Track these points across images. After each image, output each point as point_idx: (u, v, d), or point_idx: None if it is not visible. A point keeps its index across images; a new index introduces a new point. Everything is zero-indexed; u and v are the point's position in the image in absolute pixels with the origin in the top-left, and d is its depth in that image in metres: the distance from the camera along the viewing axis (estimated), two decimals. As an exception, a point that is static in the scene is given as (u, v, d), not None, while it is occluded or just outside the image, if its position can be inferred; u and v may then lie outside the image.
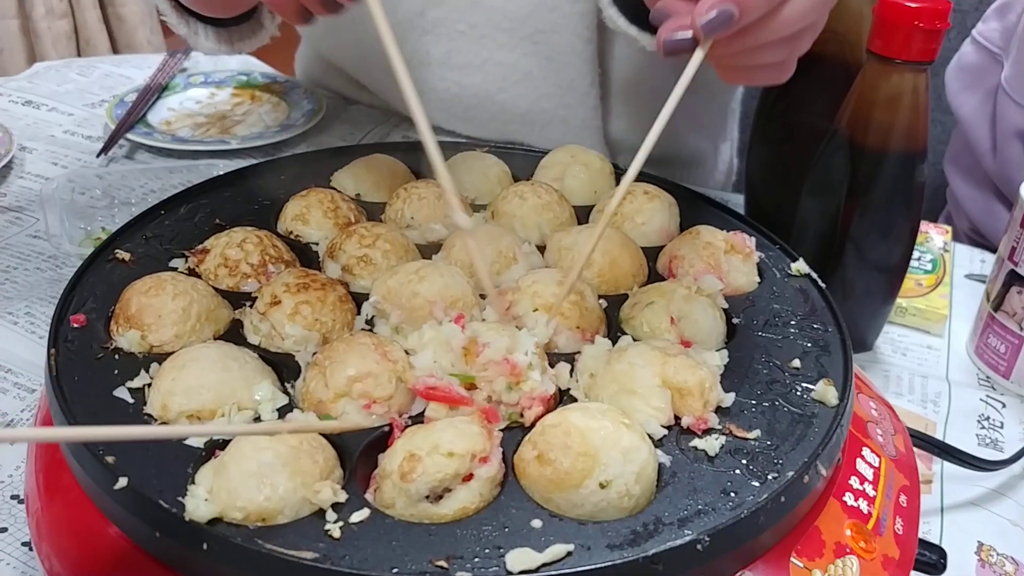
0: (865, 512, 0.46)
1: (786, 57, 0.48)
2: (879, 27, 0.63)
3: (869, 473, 0.48)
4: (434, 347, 0.44)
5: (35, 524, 0.44)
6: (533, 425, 0.43)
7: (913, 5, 0.61)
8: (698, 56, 0.46)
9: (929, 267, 0.82)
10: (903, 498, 0.48)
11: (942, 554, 0.48)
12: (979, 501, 0.61)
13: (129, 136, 0.92)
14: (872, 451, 0.49)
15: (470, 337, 0.44)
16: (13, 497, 0.54)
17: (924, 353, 0.76)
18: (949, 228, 0.88)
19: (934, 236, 0.86)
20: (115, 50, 2.25)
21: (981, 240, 1.13)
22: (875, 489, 0.47)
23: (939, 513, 0.60)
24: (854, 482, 0.47)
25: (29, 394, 0.62)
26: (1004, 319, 0.71)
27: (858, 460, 0.48)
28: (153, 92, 1.01)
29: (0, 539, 0.51)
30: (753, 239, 0.57)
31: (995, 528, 0.59)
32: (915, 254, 0.82)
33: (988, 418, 0.69)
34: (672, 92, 0.47)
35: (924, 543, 0.48)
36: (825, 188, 0.69)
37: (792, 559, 0.42)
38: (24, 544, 0.51)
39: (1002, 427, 0.68)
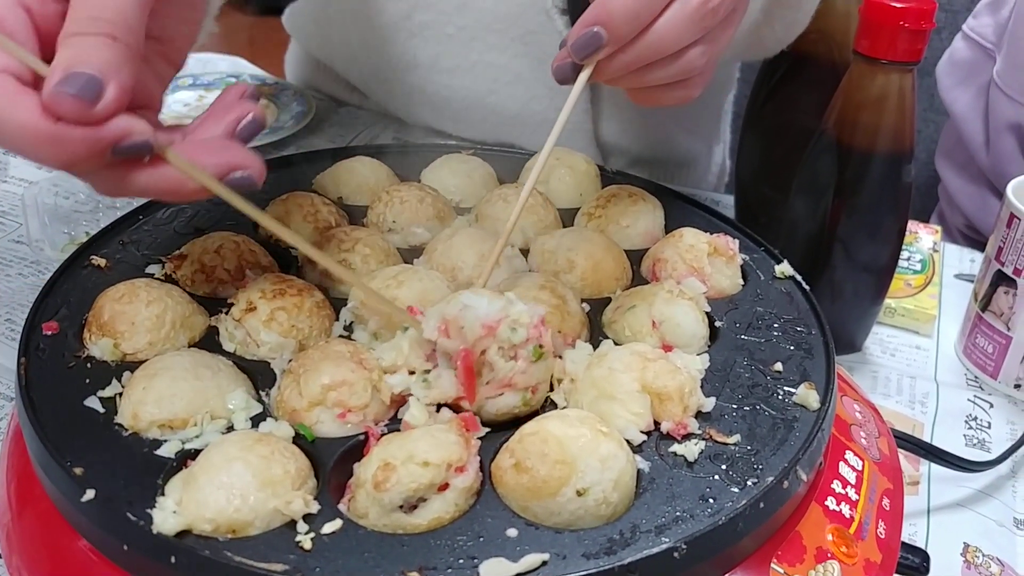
0: (847, 516, 0.45)
1: (679, 76, 0.48)
2: (864, 27, 0.63)
3: (852, 477, 0.47)
4: (409, 354, 0.44)
5: (5, 537, 0.43)
6: (513, 431, 0.42)
7: (898, 5, 0.60)
8: (582, 79, 0.47)
9: (918, 267, 0.81)
10: (886, 501, 0.48)
11: (925, 557, 0.47)
12: (965, 502, 0.61)
13: (114, 139, 0.91)
14: (855, 454, 0.49)
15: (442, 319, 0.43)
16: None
17: (913, 354, 0.75)
18: (938, 228, 0.88)
19: (923, 236, 0.86)
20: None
21: (976, 236, 1.13)
22: (858, 493, 0.47)
23: (925, 514, 0.60)
24: (836, 486, 0.46)
25: (8, 402, 0.61)
26: (991, 319, 0.71)
27: (841, 464, 0.48)
28: (140, 95, 1.00)
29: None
30: (737, 241, 0.56)
31: (981, 529, 0.59)
32: (904, 254, 0.82)
33: (976, 418, 0.69)
34: (563, 108, 0.48)
35: (907, 546, 0.47)
36: (813, 189, 0.69)
37: (772, 565, 0.41)
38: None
39: (989, 427, 0.68)
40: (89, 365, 0.46)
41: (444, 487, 0.39)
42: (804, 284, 0.56)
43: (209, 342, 0.48)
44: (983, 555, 0.57)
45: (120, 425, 0.42)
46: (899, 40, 0.61)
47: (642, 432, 0.43)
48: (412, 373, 0.44)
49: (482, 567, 0.36)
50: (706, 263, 0.54)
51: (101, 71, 0.36)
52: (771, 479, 0.41)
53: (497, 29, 0.85)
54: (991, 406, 0.70)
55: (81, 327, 0.48)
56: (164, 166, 0.39)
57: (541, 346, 0.43)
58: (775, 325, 0.52)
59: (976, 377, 0.73)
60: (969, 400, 0.70)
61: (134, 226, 0.57)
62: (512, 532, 0.38)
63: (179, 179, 0.39)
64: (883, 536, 0.46)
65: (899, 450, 0.56)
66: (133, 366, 0.45)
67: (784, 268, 0.57)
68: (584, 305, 0.53)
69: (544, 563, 0.36)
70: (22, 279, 0.73)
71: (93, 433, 0.42)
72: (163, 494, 0.38)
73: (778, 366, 0.49)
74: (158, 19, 0.42)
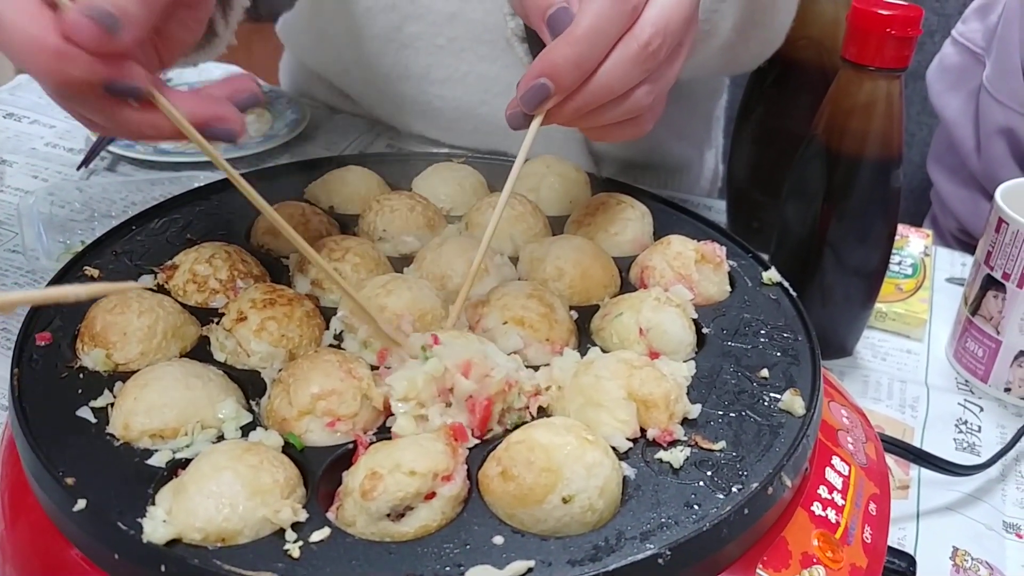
0: (833, 521, 0.46)
1: (627, 115, 0.50)
2: (852, 34, 0.63)
3: (838, 482, 0.48)
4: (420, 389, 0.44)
5: None
6: (499, 441, 0.43)
7: (885, 12, 0.61)
8: (534, 126, 0.50)
9: (909, 271, 0.82)
10: (873, 507, 0.48)
11: (911, 562, 0.48)
12: (954, 506, 0.61)
13: (111, 148, 0.92)
14: (842, 459, 0.49)
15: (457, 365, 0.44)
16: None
17: (904, 358, 0.76)
18: (929, 232, 0.88)
19: (914, 240, 0.86)
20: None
21: (969, 240, 1.13)
22: (844, 498, 0.47)
23: (915, 518, 0.60)
24: (822, 491, 0.47)
25: (3, 412, 0.62)
26: (981, 323, 0.71)
27: (827, 469, 0.48)
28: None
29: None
30: (724, 248, 0.57)
31: (970, 533, 0.59)
32: (895, 258, 0.82)
33: (966, 422, 0.69)
34: (519, 154, 0.51)
35: (893, 551, 0.48)
36: (803, 194, 0.69)
37: (758, 570, 0.42)
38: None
39: (979, 431, 0.68)
40: (81, 375, 0.46)
41: (431, 496, 0.39)
42: (791, 290, 0.56)
43: (200, 352, 0.49)
44: (972, 559, 0.58)
45: (112, 435, 0.43)
46: (886, 47, 0.62)
47: (628, 439, 0.44)
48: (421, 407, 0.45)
49: (468, 574, 0.36)
50: (694, 270, 0.55)
51: (122, 14, 0.39)
52: (756, 485, 0.42)
53: (487, 40, 0.85)
54: (981, 410, 0.70)
55: (74, 337, 0.48)
56: (152, 111, 0.42)
57: (527, 419, 0.45)
58: (762, 332, 0.53)
59: (966, 381, 0.73)
60: (959, 404, 0.71)
61: (127, 236, 0.58)
62: (498, 539, 0.38)
63: (159, 123, 0.42)
64: (869, 541, 0.46)
65: (889, 455, 0.57)
66: (125, 376, 0.45)
67: (771, 275, 0.57)
68: (572, 313, 0.53)
69: (530, 570, 0.37)
70: (18, 288, 0.73)
71: (85, 443, 0.42)
72: (153, 503, 0.39)
73: (764, 372, 0.49)
74: (165, 14, 0.44)
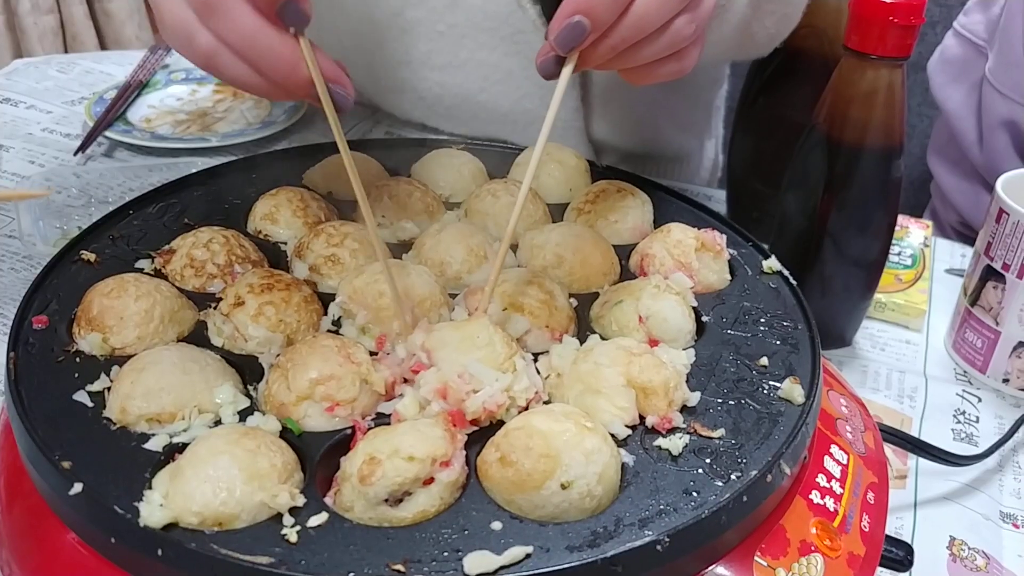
0: (831, 510, 0.46)
1: (669, 49, 0.48)
2: (854, 23, 0.63)
3: (837, 471, 0.48)
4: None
5: (-5, 528, 0.43)
6: (498, 427, 0.43)
7: (888, 1, 0.60)
8: (567, 71, 0.47)
9: (909, 262, 0.82)
10: (871, 495, 0.48)
11: (909, 550, 0.48)
12: (952, 496, 0.61)
13: (108, 134, 0.91)
14: (841, 448, 0.49)
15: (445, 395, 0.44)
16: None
17: (902, 348, 0.75)
18: (929, 223, 0.88)
19: (914, 231, 0.86)
20: (103, 46, 2.23)
21: (969, 232, 1.13)
22: (842, 487, 0.47)
23: (912, 508, 0.60)
24: (821, 480, 0.47)
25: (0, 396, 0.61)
26: (980, 314, 0.71)
27: (826, 458, 0.48)
28: (133, 89, 1.00)
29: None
30: (724, 237, 0.57)
31: (967, 522, 0.59)
32: (895, 249, 0.82)
33: (964, 412, 0.69)
34: (551, 104, 0.47)
35: (891, 539, 0.48)
36: (803, 184, 0.69)
37: (756, 558, 0.42)
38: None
39: (977, 421, 0.68)
40: (78, 359, 0.46)
41: (429, 481, 0.39)
42: (791, 279, 0.56)
43: (198, 337, 0.48)
44: (969, 548, 0.58)
45: (108, 419, 0.42)
46: (888, 35, 0.61)
47: (627, 426, 0.44)
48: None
49: (466, 560, 0.36)
50: (694, 258, 0.55)
51: None
52: (755, 473, 0.42)
53: (488, 27, 0.85)
54: (979, 400, 0.70)
55: (70, 322, 0.48)
56: (295, 44, 0.44)
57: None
58: (762, 320, 0.53)
59: (965, 372, 0.73)
60: (958, 394, 0.71)
61: (124, 221, 0.58)
62: (497, 525, 0.38)
63: (295, 64, 0.44)
64: (867, 529, 0.46)
65: (887, 444, 0.57)
66: (122, 360, 0.45)
67: (771, 263, 0.57)
68: (572, 300, 0.53)
69: (528, 556, 0.37)
70: (14, 274, 0.73)
71: (81, 427, 0.42)
72: (150, 487, 0.39)
73: (764, 360, 0.49)
74: None
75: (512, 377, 0.44)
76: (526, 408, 0.44)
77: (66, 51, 2.12)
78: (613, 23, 0.45)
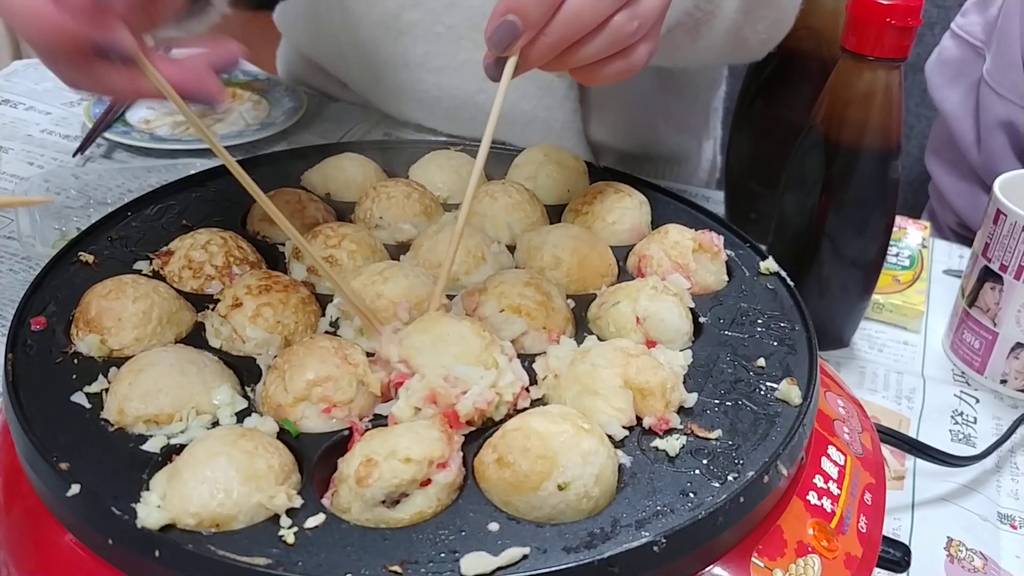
0: (828, 511, 0.46)
1: (612, 47, 0.47)
2: (852, 24, 0.63)
3: (834, 472, 0.48)
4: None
5: (-6, 531, 0.44)
6: (496, 428, 0.43)
7: (885, 2, 0.60)
8: (507, 71, 0.47)
9: (907, 263, 0.82)
10: (868, 496, 0.48)
11: (906, 551, 0.48)
12: (950, 497, 0.62)
13: (107, 135, 0.91)
14: (838, 449, 0.49)
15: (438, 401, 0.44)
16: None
17: (900, 349, 0.76)
18: (927, 224, 0.88)
19: (912, 232, 0.86)
20: (102, 47, 2.23)
21: (967, 233, 1.13)
22: (840, 488, 0.47)
23: (910, 509, 0.61)
24: (818, 481, 0.47)
25: (-1, 397, 0.61)
26: (978, 315, 0.71)
27: (823, 459, 0.48)
28: (132, 91, 1.00)
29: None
30: (722, 238, 0.57)
31: (965, 523, 0.59)
32: (893, 250, 0.82)
33: (962, 413, 0.69)
34: (494, 103, 0.48)
35: (888, 540, 0.48)
36: (801, 185, 0.69)
37: (753, 559, 0.42)
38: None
39: (975, 422, 0.68)
40: (76, 361, 0.46)
41: (426, 483, 0.39)
42: (789, 280, 0.56)
43: (196, 338, 0.48)
44: (966, 549, 0.58)
45: (106, 420, 0.42)
46: (886, 37, 0.62)
47: (624, 427, 0.44)
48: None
49: (463, 561, 0.36)
50: (691, 259, 0.55)
51: None
52: (751, 474, 0.42)
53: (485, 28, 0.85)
54: (977, 401, 0.70)
55: (68, 323, 0.48)
56: (136, 74, 0.44)
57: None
58: (759, 321, 0.53)
59: (963, 372, 0.73)
60: (955, 395, 0.71)
61: (122, 222, 0.58)
62: (494, 526, 0.38)
63: (142, 85, 0.44)
64: (864, 530, 0.46)
65: (884, 445, 0.57)
66: (120, 362, 0.45)
67: (769, 264, 0.57)
68: (569, 301, 0.53)
69: (525, 557, 0.37)
70: (12, 275, 0.73)
71: (79, 428, 0.42)
72: (148, 489, 0.39)
73: (761, 362, 0.49)
74: None
75: (496, 373, 0.44)
76: (515, 403, 0.44)
77: (65, 52, 2.12)
78: (547, 22, 0.45)
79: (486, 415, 0.43)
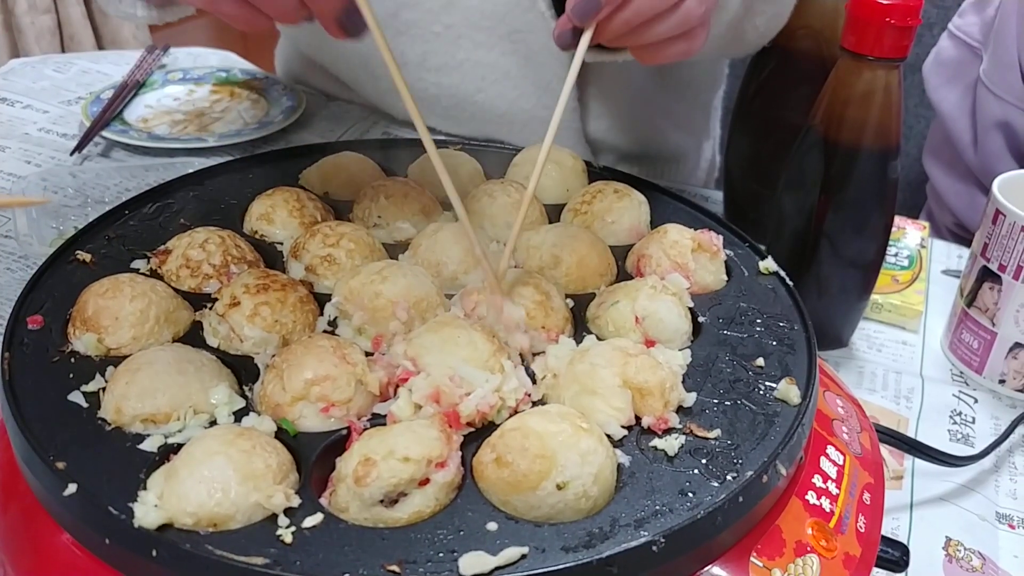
0: (827, 511, 0.46)
1: (679, 28, 0.51)
2: (851, 24, 0.63)
3: (833, 471, 0.48)
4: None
5: (-9, 531, 0.43)
6: (494, 429, 0.43)
7: (885, 2, 0.60)
8: (583, 44, 0.50)
9: (906, 263, 0.82)
10: (867, 496, 0.48)
11: (904, 551, 0.48)
12: (948, 496, 0.62)
13: (105, 134, 0.91)
14: (837, 449, 0.49)
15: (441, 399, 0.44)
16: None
17: (899, 349, 0.76)
18: (926, 224, 0.88)
19: (911, 232, 0.86)
20: (100, 46, 2.23)
21: (965, 234, 1.13)
22: (838, 487, 0.47)
23: (908, 509, 0.61)
24: (817, 480, 0.47)
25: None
26: (977, 315, 0.71)
27: (822, 458, 0.48)
28: (130, 89, 1.00)
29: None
30: (721, 237, 0.57)
31: (963, 523, 0.59)
32: (892, 250, 0.82)
33: (960, 413, 0.69)
34: (570, 71, 0.50)
35: (887, 540, 0.48)
36: (800, 184, 0.69)
37: (752, 558, 0.42)
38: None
39: (973, 422, 0.68)
40: (73, 360, 0.46)
41: (425, 482, 0.39)
42: (788, 280, 0.56)
43: (193, 337, 0.48)
44: (965, 549, 0.58)
45: (103, 419, 0.42)
46: (885, 36, 0.62)
47: (623, 427, 0.44)
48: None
49: (462, 560, 0.36)
50: (690, 259, 0.55)
51: None
52: (751, 473, 0.42)
53: (484, 27, 0.85)
54: (976, 401, 0.70)
55: (65, 322, 0.48)
56: None
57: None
58: (758, 321, 0.53)
59: (961, 372, 0.73)
60: (954, 395, 0.71)
61: (120, 221, 0.57)
62: (492, 526, 0.38)
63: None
64: (863, 530, 0.46)
65: (883, 445, 0.57)
66: (117, 361, 0.45)
67: (768, 264, 0.57)
68: (568, 301, 0.53)
69: (523, 556, 0.37)
70: (10, 274, 0.73)
71: (76, 427, 0.42)
72: (145, 488, 0.38)
73: (760, 361, 0.49)
74: None
75: (501, 378, 0.44)
76: (516, 408, 0.44)
77: (63, 51, 2.12)
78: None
79: (487, 418, 0.43)
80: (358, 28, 0.46)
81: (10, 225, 0.79)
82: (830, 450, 0.49)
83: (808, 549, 0.43)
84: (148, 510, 0.37)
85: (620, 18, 0.48)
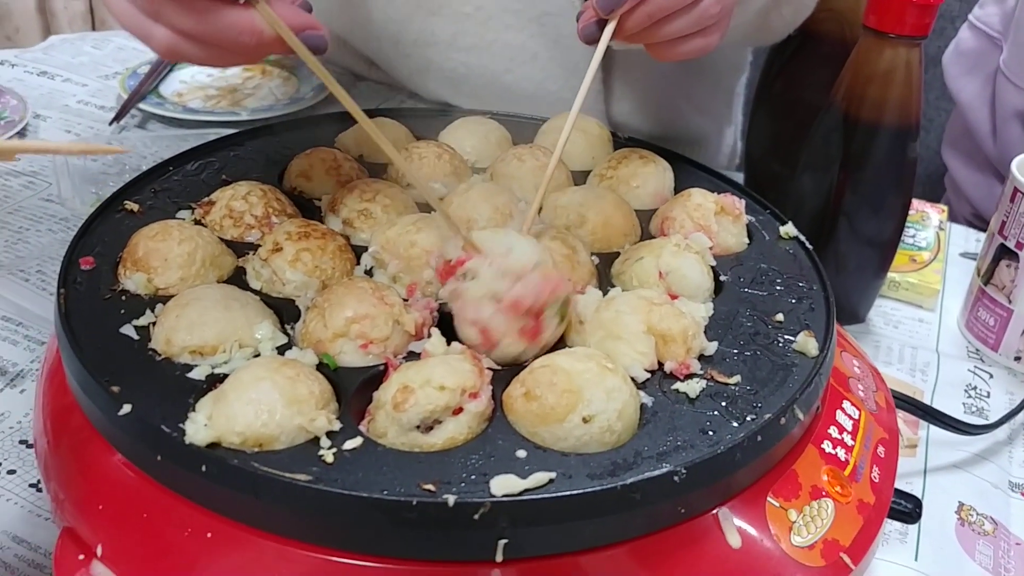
0: (842, 460, 0.47)
1: (696, 25, 0.52)
2: (873, 2, 0.64)
3: (848, 424, 0.49)
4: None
5: (43, 464, 0.46)
6: (523, 367, 0.45)
7: (906, -21, 0.62)
8: (607, 34, 0.52)
9: (924, 244, 0.83)
10: (881, 449, 0.50)
11: (917, 503, 0.49)
12: (962, 464, 0.63)
13: (141, 106, 0.94)
14: (852, 404, 0.51)
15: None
16: (22, 442, 0.56)
17: (915, 326, 0.77)
18: (945, 208, 0.89)
19: (931, 215, 0.87)
20: (130, 32, 2.27)
21: (982, 224, 1.14)
22: (853, 439, 0.49)
23: (922, 475, 0.62)
24: (833, 431, 0.48)
25: (39, 346, 0.64)
26: (994, 292, 0.72)
27: (838, 412, 0.50)
28: (165, 65, 1.03)
29: (9, 480, 0.53)
30: (743, 201, 0.58)
31: (976, 489, 0.61)
32: (911, 232, 0.83)
33: (975, 388, 0.70)
34: (592, 61, 0.52)
35: (900, 492, 0.49)
36: (820, 163, 0.70)
37: (768, 498, 0.43)
38: (32, 485, 0.53)
39: (988, 396, 0.69)
40: (124, 297, 0.48)
41: (459, 411, 0.41)
42: (808, 244, 0.58)
43: (237, 280, 0.50)
44: (977, 514, 0.59)
45: (154, 350, 0.45)
46: (907, 14, 0.63)
47: (646, 370, 0.45)
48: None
49: (493, 482, 0.38)
50: (713, 221, 0.56)
51: None
52: (769, 415, 0.43)
53: (514, 9, 0.87)
54: (991, 376, 0.72)
55: (116, 263, 0.50)
56: (251, 11, 0.44)
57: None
58: (778, 280, 0.54)
59: (977, 349, 0.74)
60: (969, 371, 0.72)
61: (164, 176, 0.60)
62: (521, 453, 0.40)
63: (257, 32, 0.45)
64: (877, 480, 0.48)
65: (898, 411, 0.58)
66: (165, 299, 0.47)
67: (789, 229, 0.59)
68: (594, 258, 0.55)
69: (551, 481, 0.38)
70: (52, 234, 0.76)
71: (128, 357, 0.44)
72: (195, 410, 0.41)
73: (779, 316, 0.51)
74: None
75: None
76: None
77: (95, 34, 2.16)
78: None
79: (544, 303, 0.45)
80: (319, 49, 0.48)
81: (52, 190, 0.82)
82: (846, 404, 0.51)
83: (823, 494, 0.45)
84: (198, 428, 0.39)
85: (641, 12, 0.50)
